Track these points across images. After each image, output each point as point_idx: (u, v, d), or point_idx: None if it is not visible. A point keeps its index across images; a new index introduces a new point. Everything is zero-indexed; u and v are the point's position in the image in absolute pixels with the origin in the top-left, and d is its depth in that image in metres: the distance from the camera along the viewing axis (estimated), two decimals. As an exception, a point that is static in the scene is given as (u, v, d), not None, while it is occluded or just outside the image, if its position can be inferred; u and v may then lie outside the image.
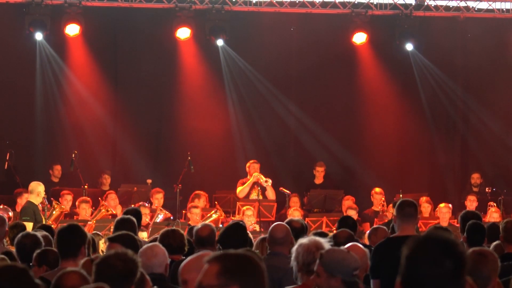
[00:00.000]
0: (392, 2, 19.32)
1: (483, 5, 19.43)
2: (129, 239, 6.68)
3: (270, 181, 16.94)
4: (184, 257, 8.13)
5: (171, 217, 16.08)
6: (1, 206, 14.91)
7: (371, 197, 17.09)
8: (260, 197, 16.42)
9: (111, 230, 9.51)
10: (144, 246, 6.80)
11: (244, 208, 15.93)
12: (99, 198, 16.10)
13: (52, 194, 16.27)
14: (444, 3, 19.45)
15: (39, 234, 8.28)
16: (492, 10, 19.48)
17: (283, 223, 8.07)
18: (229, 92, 19.43)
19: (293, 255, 6.00)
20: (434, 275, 3.27)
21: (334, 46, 19.18)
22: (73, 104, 18.76)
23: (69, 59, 18.82)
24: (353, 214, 15.57)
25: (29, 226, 12.82)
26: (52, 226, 12.42)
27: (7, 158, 17.55)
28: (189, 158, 17.21)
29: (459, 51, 19.92)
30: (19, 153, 17.92)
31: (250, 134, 19.42)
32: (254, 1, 18.93)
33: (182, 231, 8.42)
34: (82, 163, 17.49)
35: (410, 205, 7.50)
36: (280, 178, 18.22)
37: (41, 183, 15.00)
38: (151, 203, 16.44)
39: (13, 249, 8.17)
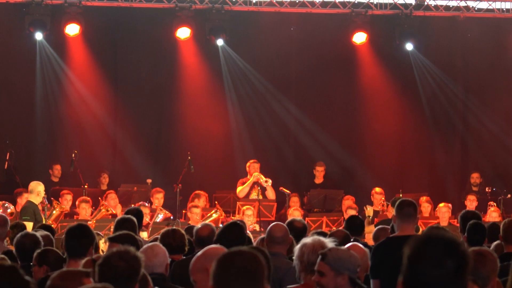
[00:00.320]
0: (392, 2, 19.32)
1: (483, 5, 19.43)
2: (130, 239, 6.67)
3: (270, 181, 16.94)
4: (184, 257, 8.14)
5: (171, 217, 16.08)
6: (6, 204, 14.94)
7: (371, 197, 17.09)
8: (260, 197, 16.42)
9: (111, 230, 9.51)
10: (145, 246, 6.80)
11: (244, 208, 15.93)
12: (99, 198, 16.10)
13: (52, 194, 16.27)
14: (444, 3, 19.45)
15: (40, 233, 8.30)
16: (492, 10, 19.49)
17: (282, 223, 8.08)
18: (229, 92, 19.43)
19: (296, 254, 6.00)
20: (436, 275, 3.27)
21: (334, 46, 19.18)
22: (73, 104, 18.77)
23: (69, 59, 18.82)
24: (353, 213, 15.57)
25: (29, 226, 12.82)
26: (52, 226, 12.43)
27: (7, 158, 17.56)
28: (189, 158, 17.22)
29: (459, 51, 19.93)
30: (19, 153, 17.93)
31: (250, 134, 19.43)
32: (254, 1, 18.93)
33: (182, 231, 8.43)
34: (82, 163, 17.49)
35: (409, 205, 7.51)
36: (280, 178, 18.22)
37: (41, 183, 15.00)
38: (151, 203, 16.44)
39: (13, 249, 8.18)
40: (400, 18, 19.26)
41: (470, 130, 20.14)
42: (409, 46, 19.41)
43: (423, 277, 3.28)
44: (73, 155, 17.18)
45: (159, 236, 8.52)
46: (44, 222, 14.08)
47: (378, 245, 7.69)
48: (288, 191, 16.80)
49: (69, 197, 16.01)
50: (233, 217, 15.76)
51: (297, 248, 6.08)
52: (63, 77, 18.80)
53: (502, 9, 19.51)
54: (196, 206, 15.67)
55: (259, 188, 16.69)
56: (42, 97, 18.68)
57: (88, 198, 15.90)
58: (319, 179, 18.23)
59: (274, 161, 19.23)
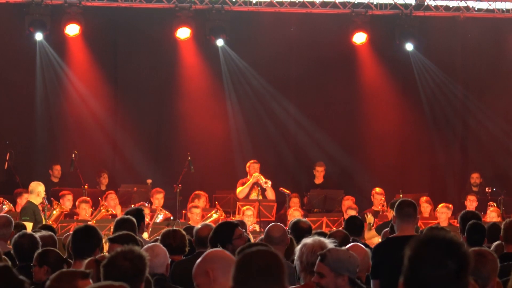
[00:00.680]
0: (392, 2, 19.32)
1: (483, 5, 19.43)
2: (130, 239, 6.68)
3: (269, 182, 16.94)
4: (184, 258, 8.14)
5: (171, 217, 16.08)
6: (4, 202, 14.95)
7: (372, 197, 17.08)
8: (260, 197, 16.42)
9: (111, 230, 9.51)
10: (145, 246, 6.80)
11: (244, 208, 15.93)
12: (99, 198, 16.10)
13: (52, 194, 16.27)
14: (444, 3, 19.45)
15: (43, 234, 8.30)
16: (492, 10, 19.49)
17: (280, 223, 8.10)
18: (229, 92, 19.43)
19: (297, 254, 6.01)
20: (437, 276, 3.27)
21: (334, 46, 19.18)
22: (73, 104, 18.76)
23: (69, 59, 18.82)
24: (353, 214, 15.56)
25: (29, 226, 12.83)
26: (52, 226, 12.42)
27: (7, 158, 17.55)
28: (189, 158, 17.22)
29: (459, 51, 19.93)
30: (19, 153, 17.92)
31: (250, 134, 19.43)
32: (254, 1, 18.93)
33: (183, 232, 8.43)
34: (82, 163, 17.49)
35: (409, 205, 7.51)
36: (280, 178, 18.21)
37: (41, 183, 14.99)
38: (151, 203, 16.44)
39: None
40: (400, 18, 19.27)
41: (470, 130, 20.14)
42: (409, 46, 19.41)
43: (424, 278, 3.28)
44: (73, 155, 17.18)
45: (159, 236, 8.52)
46: (44, 222, 14.08)
47: (378, 246, 7.71)
48: (288, 192, 16.78)
49: (70, 198, 16.01)
50: (233, 218, 15.76)
51: (297, 248, 6.09)
52: (63, 77, 18.80)
53: (502, 9, 19.51)
54: (196, 207, 15.67)
55: (259, 188, 16.69)
56: (42, 97, 18.68)
57: (88, 199, 15.89)
58: (319, 179, 18.23)
59: (274, 161, 19.23)
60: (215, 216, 15.53)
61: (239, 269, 3.81)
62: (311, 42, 19.28)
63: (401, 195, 16.31)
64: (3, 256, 7.16)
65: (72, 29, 18.27)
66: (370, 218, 14.94)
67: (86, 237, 6.82)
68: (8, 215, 9.20)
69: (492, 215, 15.85)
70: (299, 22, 19.34)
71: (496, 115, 19.67)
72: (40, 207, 14.65)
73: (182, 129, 19.15)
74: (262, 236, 8.34)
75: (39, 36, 18.33)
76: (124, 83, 19.28)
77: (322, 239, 6.11)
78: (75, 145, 17.94)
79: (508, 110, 19.67)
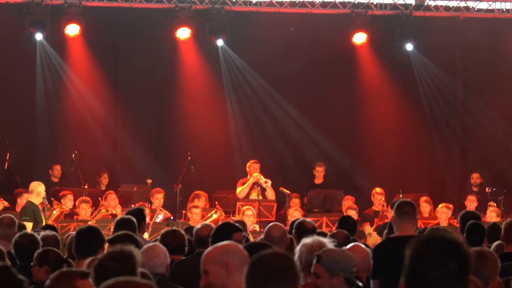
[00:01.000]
0: (392, 2, 19.32)
1: (483, 5, 19.43)
2: (129, 239, 6.68)
3: (269, 182, 16.93)
4: (184, 257, 8.14)
5: (171, 217, 16.08)
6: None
7: (372, 197, 17.08)
8: (260, 197, 16.42)
9: (111, 230, 9.51)
10: (145, 246, 6.80)
11: (244, 208, 15.93)
12: (99, 198, 16.10)
13: (52, 194, 16.26)
14: (444, 3, 19.45)
15: (47, 233, 8.30)
16: (492, 10, 19.49)
17: (280, 223, 8.11)
18: (229, 92, 19.43)
19: (297, 254, 6.02)
20: (438, 276, 3.27)
21: (334, 46, 19.18)
22: (73, 104, 18.77)
23: (69, 59, 18.82)
24: (353, 214, 15.57)
25: (28, 226, 12.83)
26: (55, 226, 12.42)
27: (7, 158, 17.55)
28: (189, 158, 17.21)
29: (459, 51, 19.93)
30: (19, 153, 17.92)
31: (250, 134, 19.43)
32: (254, 1, 18.93)
33: (182, 232, 8.43)
34: (82, 163, 17.49)
35: (408, 204, 7.58)
36: (280, 178, 18.21)
37: (41, 183, 14.99)
38: (151, 203, 16.44)
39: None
40: (400, 18, 19.27)
41: (470, 130, 20.14)
42: (409, 46, 19.41)
43: (425, 278, 3.28)
44: (73, 155, 17.17)
45: (159, 236, 8.52)
46: (44, 222, 14.08)
47: (378, 245, 7.73)
48: (288, 191, 16.78)
49: (71, 197, 16.01)
50: (233, 218, 15.76)
51: (297, 248, 6.10)
52: (63, 77, 18.80)
53: (502, 9, 19.52)
54: (196, 207, 15.67)
55: (259, 188, 16.68)
56: (42, 97, 18.68)
57: (88, 198, 15.89)
58: (319, 179, 18.22)
59: (274, 161, 19.23)
60: (215, 216, 15.53)
61: (253, 271, 3.81)
62: (311, 42, 19.28)
63: (401, 195, 16.31)
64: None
65: (72, 29, 18.27)
66: (368, 229, 15.10)
67: (90, 238, 6.88)
68: (12, 215, 9.22)
69: (492, 215, 15.85)
70: (299, 22, 19.34)
71: (496, 115, 19.67)
72: (40, 207, 14.65)
73: (182, 129, 19.15)
74: (262, 236, 8.35)
75: (39, 36, 18.33)
76: (124, 83, 19.28)
77: (322, 239, 6.12)
78: (75, 145, 17.95)
79: (508, 110, 19.66)
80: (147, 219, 15.11)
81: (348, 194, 17.28)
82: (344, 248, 6.50)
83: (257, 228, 15.43)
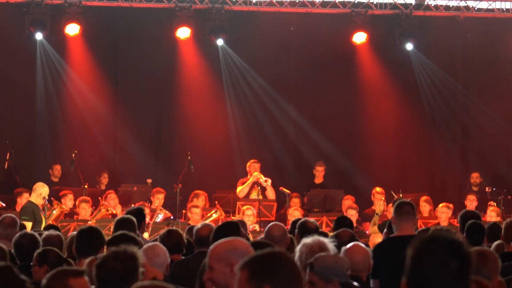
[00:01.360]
0: (392, 1, 19.32)
1: (483, 5, 19.43)
2: (127, 240, 6.66)
3: (269, 180, 16.94)
4: (183, 257, 8.14)
5: (171, 217, 16.08)
6: None
7: (372, 196, 17.06)
8: (260, 197, 16.42)
9: (111, 229, 9.51)
10: (145, 246, 6.80)
11: (244, 208, 15.92)
12: (99, 198, 16.10)
13: (52, 194, 16.25)
14: (444, 3, 19.45)
15: (52, 233, 8.31)
16: (492, 10, 19.49)
17: (280, 223, 8.11)
18: (229, 91, 19.43)
19: (297, 254, 6.01)
20: (440, 276, 3.27)
21: (334, 46, 19.18)
22: (73, 104, 18.77)
23: (69, 59, 18.83)
24: (354, 214, 15.58)
25: (28, 226, 12.83)
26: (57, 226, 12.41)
27: (7, 158, 17.55)
28: (189, 158, 17.22)
29: (459, 51, 19.93)
30: (19, 153, 17.92)
31: (250, 134, 19.43)
32: (254, 1, 18.93)
33: (180, 231, 8.42)
34: (82, 163, 17.49)
35: (407, 204, 7.62)
36: (280, 177, 18.21)
37: (46, 186, 14.96)
38: (151, 203, 16.44)
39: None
40: (400, 18, 19.26)
41: (470, 130, 20.14)
42: (409, 46, 19.41)
43: (426, 278, 3.28)
44: (73, 155, 17.18)
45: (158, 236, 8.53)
46: (44, 222, 14.08)
47: (378, 245, 7.74)
48: (288, 191, 16.78)
49: (71, 197, 16.01)
50: (233, 217, 15.76)
51: (297, 248, 6.09)
52: (63, 77, 18.80)
53: (502, 9, 19.51)
54: (196, 206, 15.67)
55: (259, 188, 16.68)
56: (42, 97, 18.68)
57: (88, 198, 15.89)
58: (319, 179, 18.22)
59: (274, 160, 19.23)
60: (215, 216, 15.53)
61: (262, 272, 3.77)
62: (311, 42, 19.27)
63: (401, 195, 16.30)
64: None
65: (72, 29, 18.27)
66: (380, 205, 15.06)
67: (91, 238, 6.93)
68: (14, 215, 9.23)
69: (492, 215, 15.85)
70: (299, 22, 19.34)
71: (496, 115, 19.67)
72: (40, 207, 14.64)
73: (182, 129, 19.15)
74: (262, 235, 8.35)
75: (39, 36, 18.34)
76: (124, 83, 19.28)
77: (322, 239, 6.11)
78: (75, 145, 17.95)
79: (508, 109, 19.66)
80: (147, 219, 15.12)
81: (348, 194, 17.28)
82: (344, 248, 6.51)
83: (257, 228, 15.43)
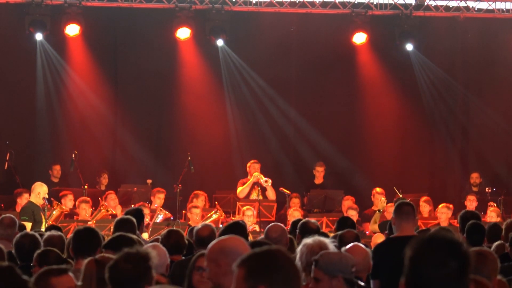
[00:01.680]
0: (392, 2, 19.32)
1: (483, 5, 19.43)
2: (125, 242, 6.64)
3: (270, 181, 16.94)
4: (183, 258, 8.14)
5: (171, 217, 16.08)
6: None
7: (372, 196, 17.06)
8: (260, 197, 16.42)
9: (111, 230, 9.52)
10: (145, 246, 6.80)
11: (244, 208, 15.93)
12: (99, 198, 16.10)
13: (52, 194, 16.25)
14: (444, 3, 19.45)
15: (54, 233, 8.31)
16: (492, 10, 19.49)
17: (279, 224, 8.12)
18: (229, 92, 19.43)
19: (298, 255, 6.01)
20: (439, 275, 3.27)
21: (334, 46, 19.18)
22: (73, 104, 18.78)
23: (69, 59, 18.83)
24: (354, 214, 15.57)
25: (27, 226, 12.83)
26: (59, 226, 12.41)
27: (7, 158, 17.55)
28: (189, 158, 17.21)
29: (459, 51, 19.93)
30: (19, 153, 17.91)
31: (250, 134, 19.43)
32: (254, 1, 18.93)
33: (181, 232, 8.43)
34: (82, 163, 17.49)
35: (407, 204, 7.64)
36: (280, 178, 18.21)
37: (44, 185, 14.96)
38: (150, 203, 16.44)
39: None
40: (400, 18, 19.26)
41: (470, 130, 20.14)
42: (409, 46, 19.41)
43: (426, 278, 3.28)
44: (73, 155, 17.17)
45: (159, 236, 8.53)
46: (44, 222, 14.08)
47: (378, 246, 7.75)
48: (288, 192, 16.78)
49: (71, 197, 16.01)
50: (233, 218, 15.77)
51: (298, 249, 6.10)
52: (63, 77, 18.81)
53: (502, 9, 19.52)
54: (196, 207, 15.68)
55: (259, 188, 16.68)
56: (42, 98, 18.68)
57: (88, 199, 15.89)
58: (319, 180, 18.22)
59: (274, 161, 19.23)
60: (215, 216, 15.53)
61: (262, 271, 3.76)
62: (311, 43, 19.27)
63: (401, 195, 16.30)
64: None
65: (72, 29, 18.27)
66: (382, 202, 15.07)
67: (88, 238, 6.91)
68: (13, 216, 9.24)
69: (492, 215, 15.85)
70: (299, 22, 19.34)
71: (496, 115, 19.67)
72: (40, 207, 14.63)
73: (182, 129, 19.15)
74: (262, 236, 8.35)
75: (39, 36, 18.34)
76: (124, 83, 19.28)
77: (322, 239, 6.12)
78: (75, 145, 17.95)
79: (507, 109, 19.66)
80: (147, 219, 15.12)
81: (348, 194, 17.28)
82: (344, 248, 6.51)
83: (257, 228, 15.43)
